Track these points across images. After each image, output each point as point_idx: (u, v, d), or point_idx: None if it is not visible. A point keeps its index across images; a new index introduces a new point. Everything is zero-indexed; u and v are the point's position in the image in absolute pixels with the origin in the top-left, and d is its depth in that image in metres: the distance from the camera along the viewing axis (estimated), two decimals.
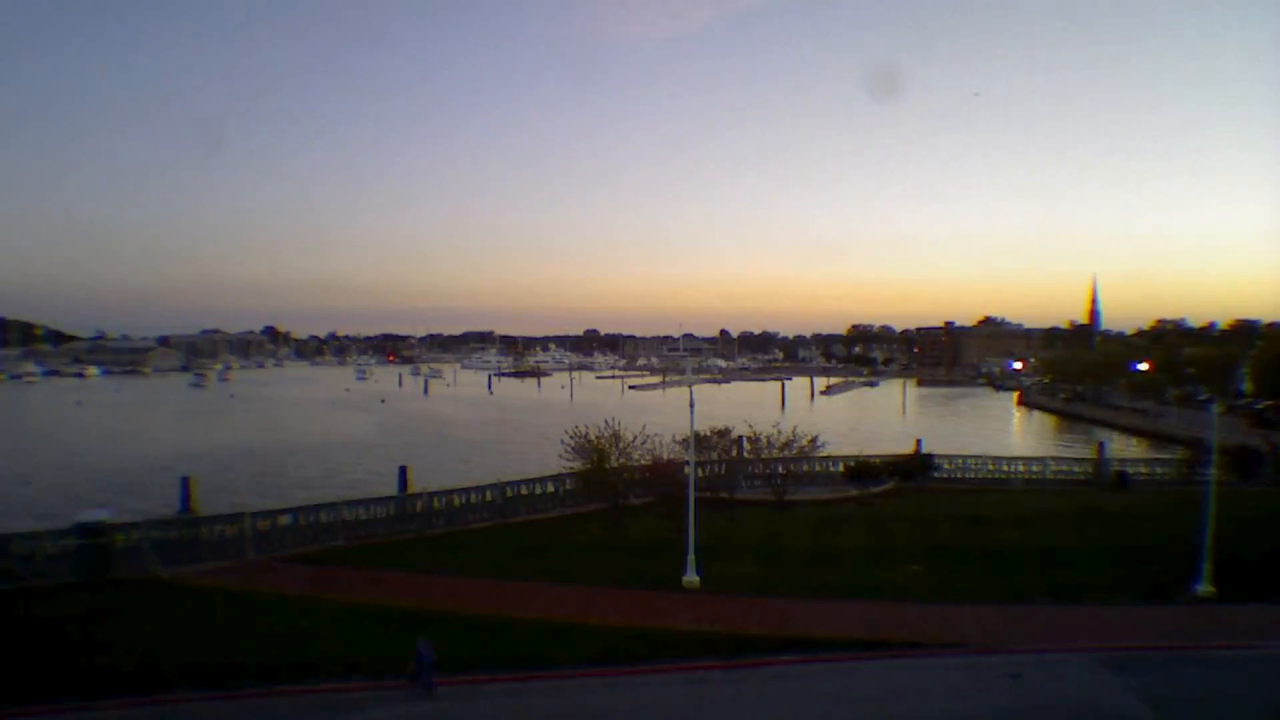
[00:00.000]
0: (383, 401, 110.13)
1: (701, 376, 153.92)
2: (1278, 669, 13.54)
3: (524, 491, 28.33)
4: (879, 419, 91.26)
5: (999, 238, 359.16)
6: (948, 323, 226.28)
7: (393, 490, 30.71)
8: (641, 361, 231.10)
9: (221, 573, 19.60)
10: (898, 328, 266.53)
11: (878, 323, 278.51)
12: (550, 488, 28.97)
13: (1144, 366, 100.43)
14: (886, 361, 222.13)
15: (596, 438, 28.08)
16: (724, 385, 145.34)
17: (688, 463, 22.93)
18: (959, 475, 35.79)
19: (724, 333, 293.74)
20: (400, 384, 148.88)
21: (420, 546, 22.55)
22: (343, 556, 21.29)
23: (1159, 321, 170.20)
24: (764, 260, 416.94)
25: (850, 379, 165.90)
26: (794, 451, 31.15)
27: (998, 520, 25.79)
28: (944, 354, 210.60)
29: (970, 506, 28.69)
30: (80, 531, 19.39)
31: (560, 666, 13.04)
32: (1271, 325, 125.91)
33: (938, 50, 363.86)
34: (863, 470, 33.05)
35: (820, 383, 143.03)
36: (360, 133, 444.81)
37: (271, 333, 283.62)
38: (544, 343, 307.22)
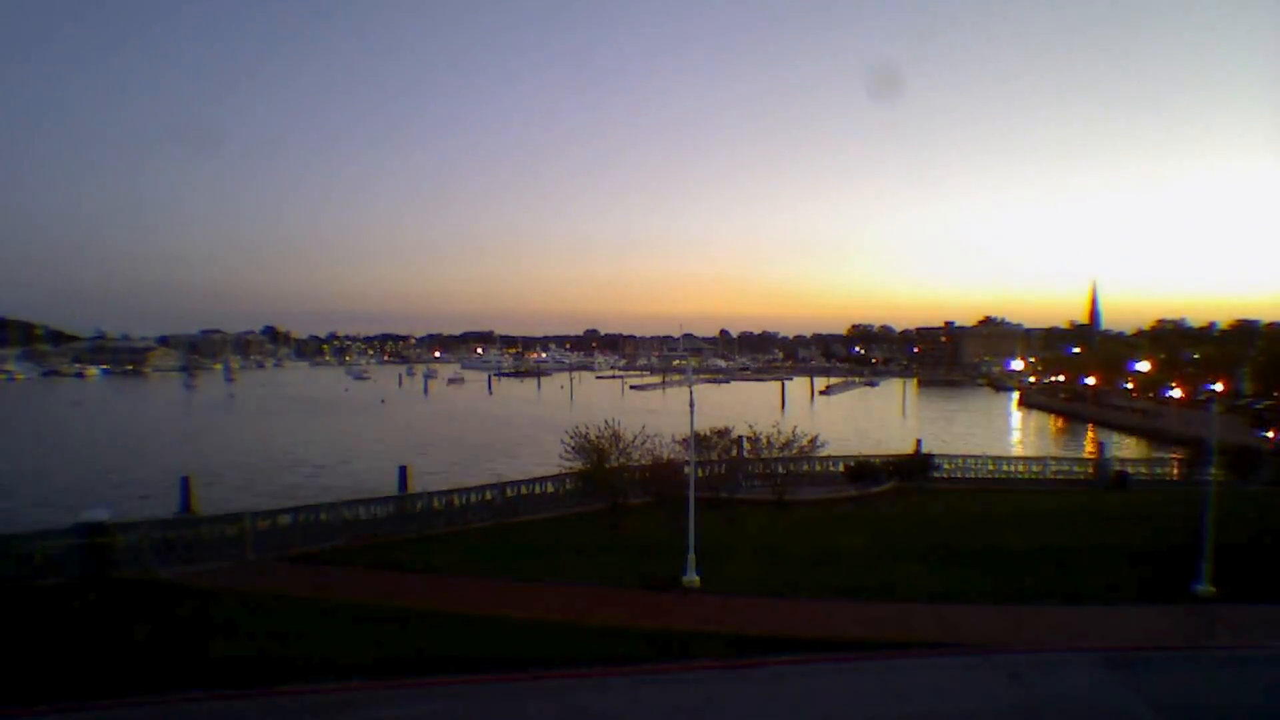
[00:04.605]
0: (382, 402, 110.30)
1: (701, 376, 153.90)
2: (1278, 669, 13.53)
3: (524, 491, 28.34)
4: (879, 419, 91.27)
5: (999, 238, 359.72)
6: (948, 323, 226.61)
7: (393, 490, 30.72)
8: (641, 361, 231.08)
9: (221, 573, 19.58)
10: (897, 328, 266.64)
11: (878, 323, 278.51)
12: (550, 488, 28.97)
13: (1144, 366, 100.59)
14: (886, 361, 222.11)
15: (596, 438, 28.10)
16: (724, 385, 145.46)
17: (688, 463, 22.94)
18: (959, 475, 35.82)
19: (724, 333, 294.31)
20: (400, 383, 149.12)
21: (420, 546, 22.52)
22: (343, 556, 21.27)
23: (1159, 321, 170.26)
24: (764, 260, 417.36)
25: (850, 379, 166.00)
26: (794, 451, 31.20)
27: (998, 520, 25.80)
28: (944, 354, 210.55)
29: (970, 506, 28.73)
30: (80, 531, 19.38)
31: (560, 666, 13.03)
32: (1271, 325, 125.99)
33: (938, 51, 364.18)
34: (863, 470, 33.04)
35: (820, 383, 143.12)
36: (360, 133, 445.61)
37: (271, 333, 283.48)
38: (544, 343, 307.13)
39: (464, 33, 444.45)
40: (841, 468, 34.03)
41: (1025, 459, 40.70)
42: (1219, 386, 72.67)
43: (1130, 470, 36.50)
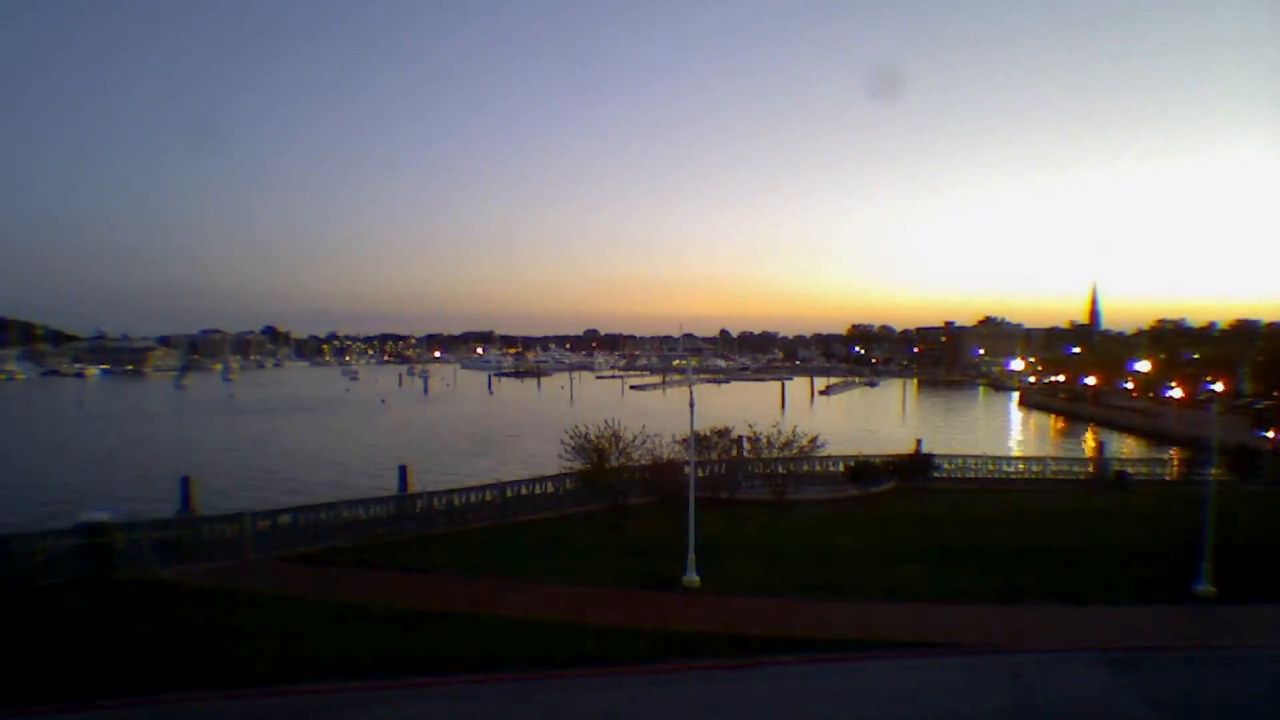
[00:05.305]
0: (382, 402, 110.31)
1: (701, 376, 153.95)
2: (1278, 669, 13.53)
3: (524, 491, 28.35)
4: (879, 419, 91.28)
5: (999, 238, 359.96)
6: (948, 323, 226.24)
7: (393, 490, 30.70)
8: (641, 361, 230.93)
9: (221, 573, 19.58)
10: (897, 328, 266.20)
11: (878, 323, 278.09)
12: (550, 488, 28.98)
13: (1144, 366, 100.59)
14: (886, 361, 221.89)
15: (596, 438, 28.08)
16: (724, 385, 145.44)
17: (688, 463, 22.94)
18: (959, 475, 35.81)
19: (724, 333, 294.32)
20: (400, 383, 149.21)
21: (420, 546, 22.53)
22: (343, 556, 21.28)
23: (1159, 321, 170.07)
24: (764, 260, 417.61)
25: (850, 379, 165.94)
26: (794, 451, 31.20)
27: (998, 520, 25.81)
28: (944, 354, 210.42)
29: (970, 506, 28.72)
30: (80, 531, 19.39)
31: (560, 666, 13.03)
32: (1271, 325, 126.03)
33: (938, 51, 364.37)
34: (863, 470, 33.05)
35: (820, 383, 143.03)
36: (361, 133, 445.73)
37: (271, 333, 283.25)
38: (544, 343, 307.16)
39: (465, 34, 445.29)
40: (841, 468, 34.03)
41: (1025, 459, 40.66)
42: (1219, 386, 72.63)
43: (1130, 470, 36.50)
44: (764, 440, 31.11)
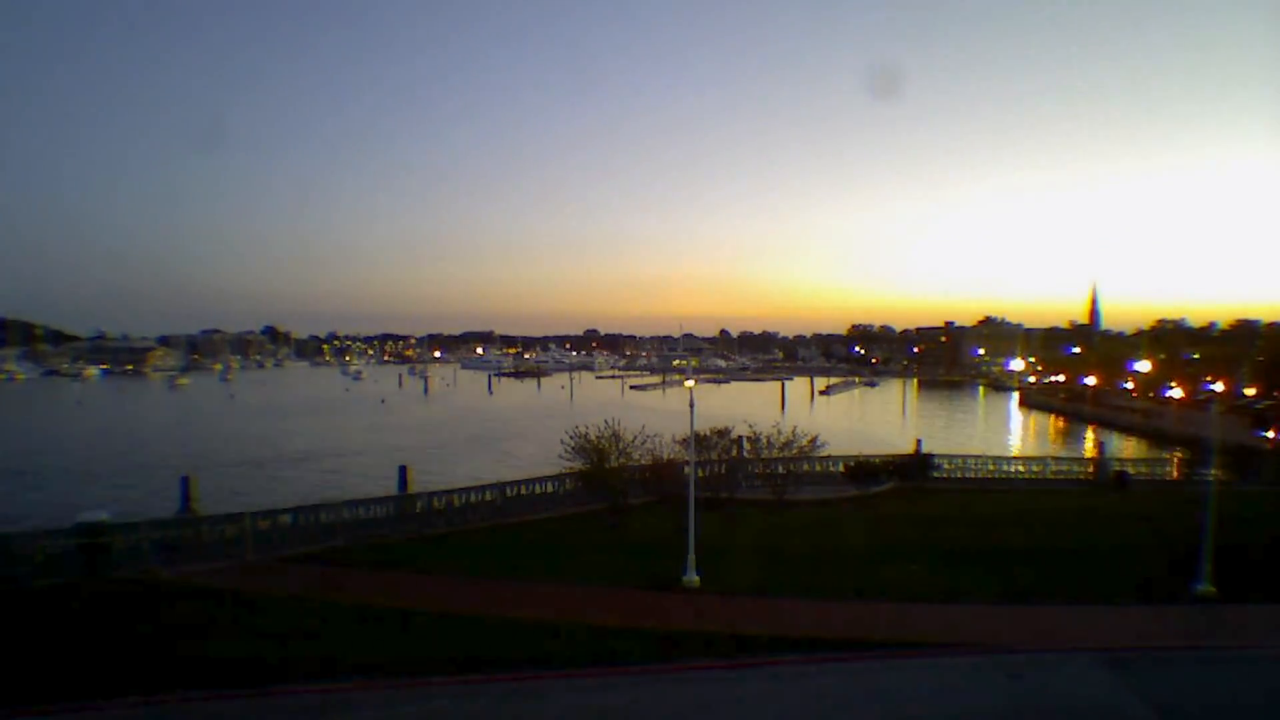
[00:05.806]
0: (382, 402, 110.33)
1: (702, 376, 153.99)
2: (1278, 669, 13.52)
3: (524, 491, 28.38)
4: (879, 419, 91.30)
5: (999, 238, 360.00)
6: (948, 323, 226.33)
7: (393, 490, 30.71)
8: (641, 361, 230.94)
9: (221, 573, 19.58)
10: (897, 328, 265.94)
11: (878, 323, 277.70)
12: (550, 487, 29.00)
13: (1144, 366, 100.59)
14: (886, 361, 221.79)
15: (596, 438, 28.09)
16: (724, 385, 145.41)
17: (688, 463, 22.94)
18: (959, 475, 35.83)
19: (724, 333, 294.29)
20: (400, 383, 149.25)
21: (420, 546, 22.54)
22: (343, 556, 21.28)
23: (1159, 321, 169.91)
24: (764, 260, 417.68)
25: (850, 379, 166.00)
26: (794, 451, 31.18)
27: (997, 520, 25.80)
28: (944, 354, 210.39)
29: (970, 506, 28.72)
30: (80, 531, 19.40)
31: (560, 666, 13.02)
32: (1271, 325, 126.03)
33: (939, 50, 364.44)
34: (863, 470, 33.06)
35: (820, 383, 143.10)
36: (361, 133, 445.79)
37: (271, 333, 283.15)
38: (544, 343, 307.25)
39: (465, 34, 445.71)
40: (841, 468, 34.03)
41: (1025, 459, 40.68)
42: (1219, 386, 72.59)
43: (1130, 470, 36.50)
44: (764, 440, 31.11)
